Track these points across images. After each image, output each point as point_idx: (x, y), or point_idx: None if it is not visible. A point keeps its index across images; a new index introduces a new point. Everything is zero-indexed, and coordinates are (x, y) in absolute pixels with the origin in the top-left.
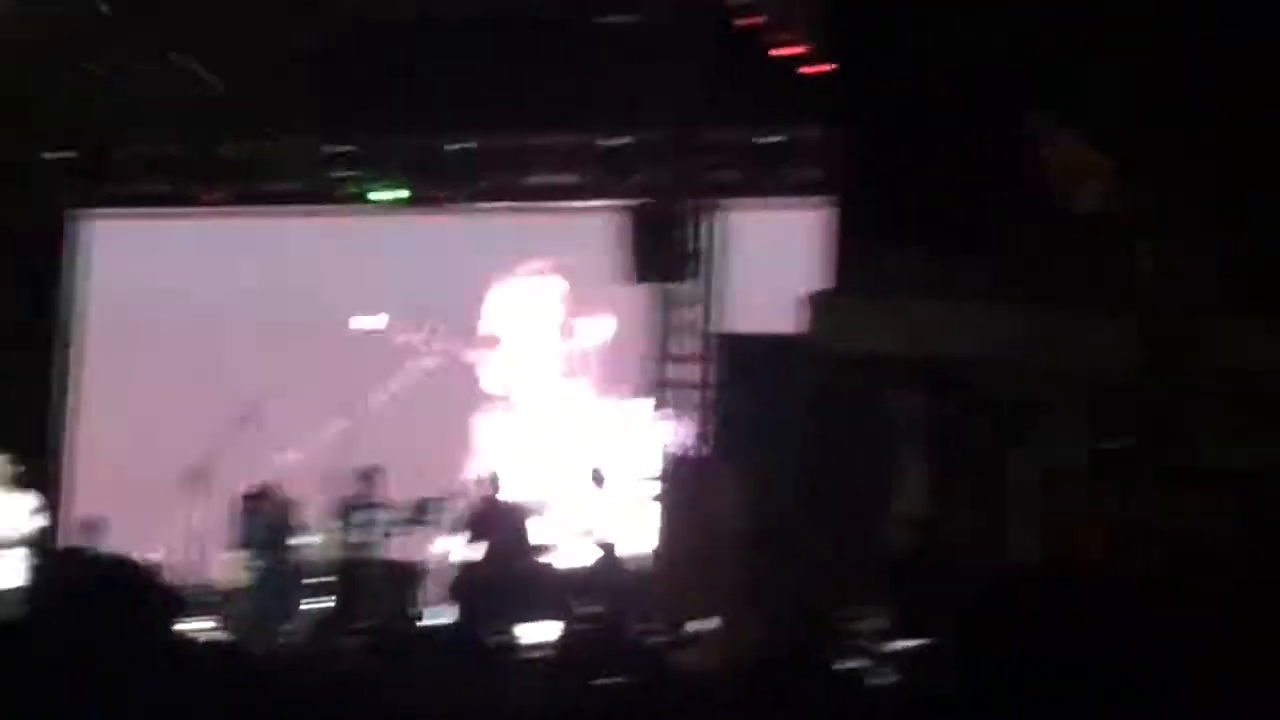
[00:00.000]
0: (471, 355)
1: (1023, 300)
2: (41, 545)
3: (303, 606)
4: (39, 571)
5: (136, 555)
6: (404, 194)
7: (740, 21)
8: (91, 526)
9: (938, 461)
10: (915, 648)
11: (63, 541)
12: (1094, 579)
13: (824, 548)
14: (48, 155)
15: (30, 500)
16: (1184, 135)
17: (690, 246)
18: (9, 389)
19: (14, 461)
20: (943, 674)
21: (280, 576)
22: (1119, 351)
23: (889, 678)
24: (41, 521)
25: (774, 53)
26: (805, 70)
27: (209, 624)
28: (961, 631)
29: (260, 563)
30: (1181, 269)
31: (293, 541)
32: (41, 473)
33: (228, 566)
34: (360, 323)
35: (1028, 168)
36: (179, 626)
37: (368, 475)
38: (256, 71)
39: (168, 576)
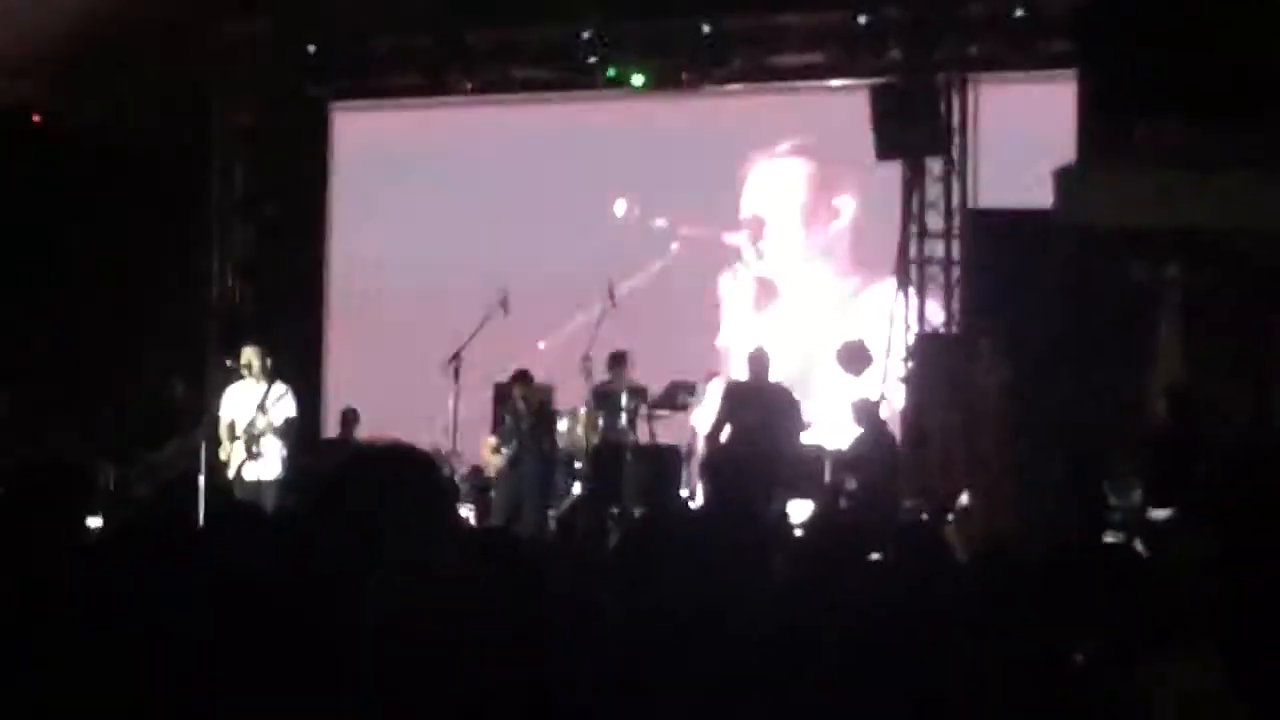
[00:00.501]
0: (724, 237)
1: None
2: (301, 435)
3: (566, 490)
4: (305, 460)
5: (406, 443)
6: (653, 77)
7: None
8: (350, 418)
9: (1195, 332)
10: (1174, 517)
11: (324, 432)
12: None
13: (1082, 420)
14: (310, 49)
15: (281, 391)
16: None
17: (941, 122)
18: (268, 281)
19: (267, 353)
20: (1202, 543)
21: (539, 462)
22: None
23: (1151, 548)
24: (294, 413)
25: None
26: None
27: (470, 510)
28: (1222, 500)
29: (518, 449)
30: None
31: (550, 427)
32: (303, 361)
33: (486, 454)
34: (613, 208)
35: None
36: (455, 511)
37: (618, 360)
38: None
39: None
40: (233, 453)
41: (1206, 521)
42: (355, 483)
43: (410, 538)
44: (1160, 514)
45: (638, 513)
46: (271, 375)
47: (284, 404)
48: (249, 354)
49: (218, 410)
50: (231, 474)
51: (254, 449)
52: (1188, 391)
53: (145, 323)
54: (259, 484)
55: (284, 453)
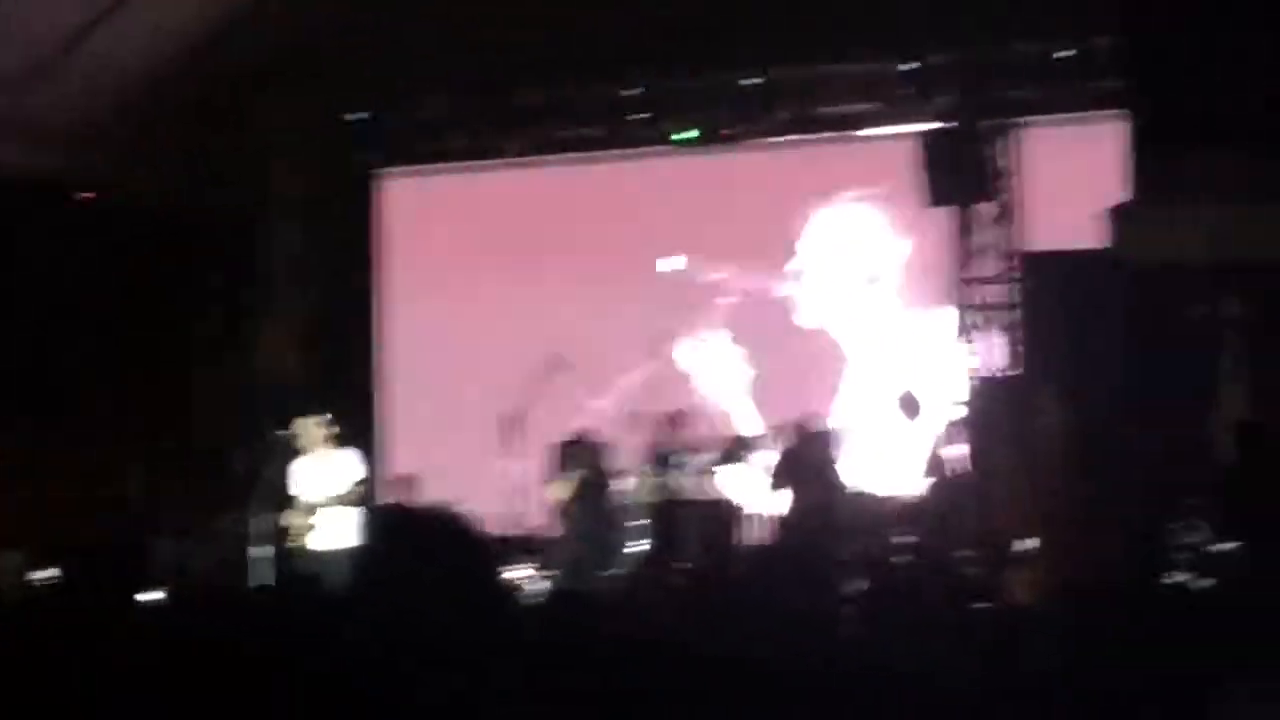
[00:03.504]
0: (776, 290)
1: None
2: (362, 503)
3: (623, 550)
4: (361, 529)
5: (453, 506)
6: (697, 133)
7: None
8: (408, 481)
9: (1257, 366)
10: (1239, 554)
11: (381, 498)
12: None
13: (1148, 461)
14: (349, 116)
15: (351, 458)
16: None
17: (990, 166)
18: (323, 349)
19: (332, 422)
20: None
21: (599, 521)
22: None
23: (1218, 588)
24: (361, 479)
25: None
26: None
27: (531, 571)
28: None
29: (578, 508)
30: None
31: (609, 486)
32: (359, 430)
33: (546, 514)
34: (664, 265)
35: None
36: (501, 574)
37: (676, 418)
38: (546, 18)
39: (486, 526)
40: (298, 524)
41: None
42: (393, 551)
43: (453, 602)
44: (1226, 549)
45: (699, 568)
46: (335, 445)
47: (350, 472)
48: (308, 426)
49: (280, 482)
50: (299, 544)
51: (319, 519)
52: (1255, 427)
53: (201, 393)
54: (327, 554)
55: (348, 522)
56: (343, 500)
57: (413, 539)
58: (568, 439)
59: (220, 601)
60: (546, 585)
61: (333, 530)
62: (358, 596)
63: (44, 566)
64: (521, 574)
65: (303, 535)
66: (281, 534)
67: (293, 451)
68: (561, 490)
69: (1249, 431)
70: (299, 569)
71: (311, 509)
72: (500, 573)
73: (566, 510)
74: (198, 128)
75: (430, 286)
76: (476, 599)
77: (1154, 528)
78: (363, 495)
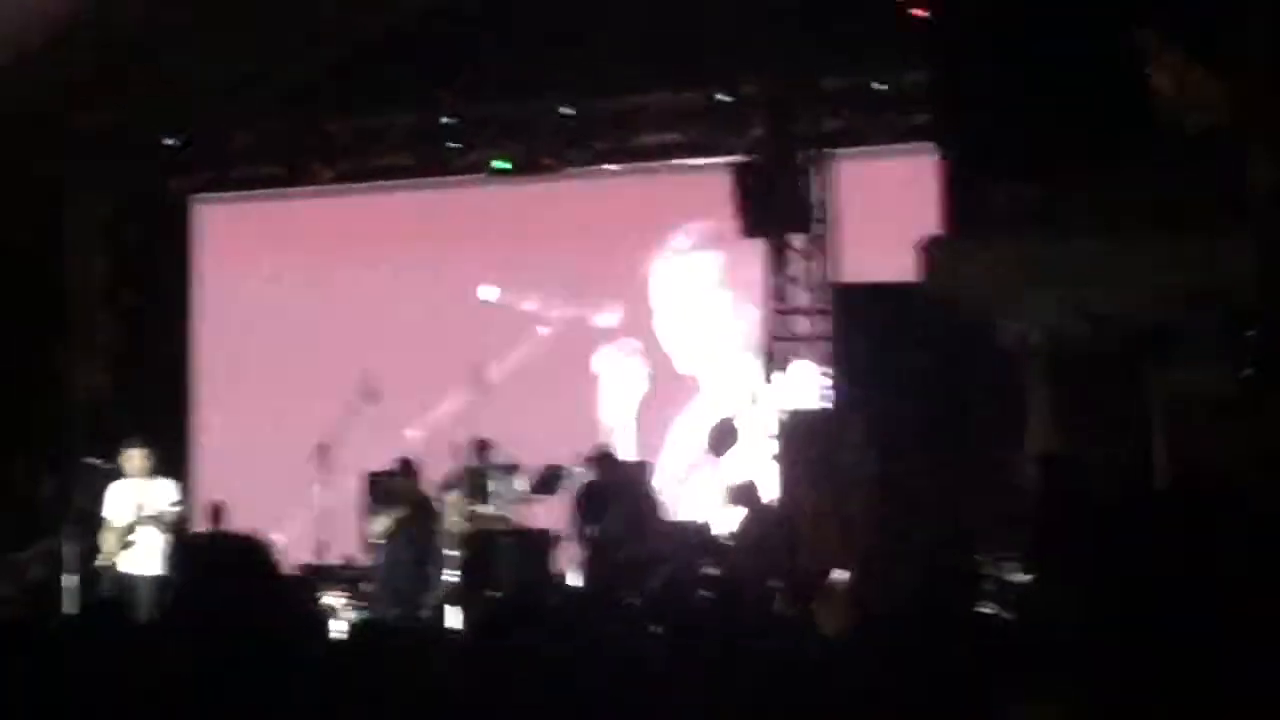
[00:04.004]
0: (596, 317)
1: (1140, 228)
2: (174, 531)
3: (437, 577)
4: (168, 558)
5: (258, 535)
6: (511, 163)
7: None
8: (218, 508)
9: (1063, 397)
10: (1033, 580)
11: (192, 525)
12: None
13: (957, 492)
14: (167, 141)
15: (163, 486)
16: None
17: (803, 198)
18: (135, 374)
19: (145, 448)
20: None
21: (415, 552)
22: (1243, 273)
23: (1022, 618)
24: (174, 507)
25: None
26: (909, 12)
27: (342, 601)
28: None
29: (393, 541)
30: None
31: (425, 517)
32: (171, 456)
33: (359, 543)
34: (483, 293)
35: (1135, 92)
36: (305, 604)
37: (483, 447)
38: (364, 45)
39: (297, 554)
40: (110, 551)
41: (1065, 581)
42: (192, 579)
43: (251, 631)
44: (1022, 578)
45: (512, 597)
46: (152, 473)
47: (163, 499)
48: (130, 454)
49: (94, 508)
50: (110, 572)
51: (129, 541)
52: (1057, 459)
53: (7, 421)
54: (136, 581)
55: (160, 549)
56: (154, 528)
57: (214, 569)
58: (384, 469)
59: (28, 627)
60: (355, 615)
61: (143, 559)
62: (162, 624)
63: None
64: (332, 602)
65: (114, 563)
66: (92, 561)
67: (105, 478)
68: (379, 524)
69: (1052, 463)
70: (109, 596)
71: (124, 536)
72: (303, 602)
73: (382, 541)
74: (6, 148)
75: (244, 313)
76: (277, 629)
77: (961, 559)
78: (175, 523)
